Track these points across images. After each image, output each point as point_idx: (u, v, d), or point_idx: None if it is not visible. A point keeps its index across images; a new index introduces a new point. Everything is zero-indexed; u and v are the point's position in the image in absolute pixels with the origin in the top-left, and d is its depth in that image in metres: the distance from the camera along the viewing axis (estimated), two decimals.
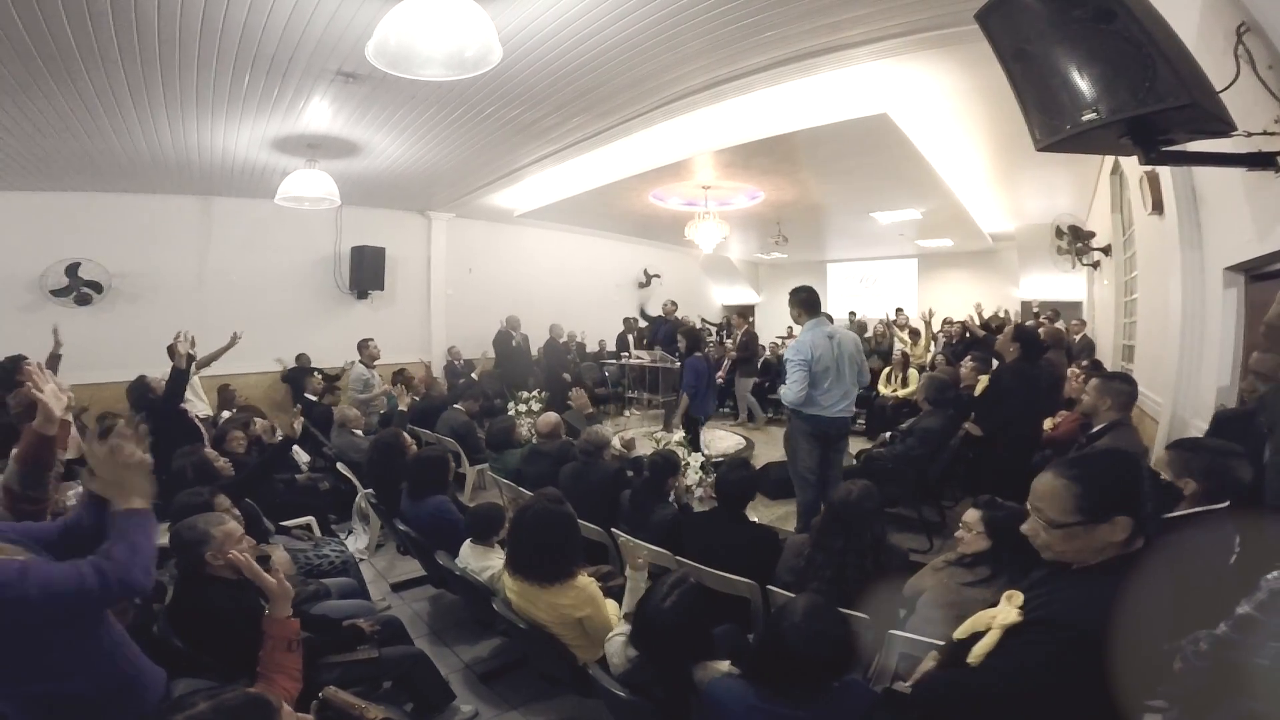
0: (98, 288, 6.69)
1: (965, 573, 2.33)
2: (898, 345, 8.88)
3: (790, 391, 3.93)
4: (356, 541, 4.65)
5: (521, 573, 2.53)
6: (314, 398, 7.25)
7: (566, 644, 2.49)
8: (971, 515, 2.42)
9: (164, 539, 3.50)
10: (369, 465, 4.24)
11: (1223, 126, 1.70)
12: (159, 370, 4.95)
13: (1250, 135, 1.85)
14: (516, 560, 2.57)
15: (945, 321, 9.33)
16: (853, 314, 11.41)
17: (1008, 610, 1.39)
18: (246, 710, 1.06)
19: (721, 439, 7.31)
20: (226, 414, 6.29)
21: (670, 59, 3.86)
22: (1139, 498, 1.30)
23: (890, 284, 13.61)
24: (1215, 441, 2.16)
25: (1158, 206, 3.74)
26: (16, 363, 4.70)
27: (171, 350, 4.68)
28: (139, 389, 5.66)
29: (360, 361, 7.20)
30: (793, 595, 2.37)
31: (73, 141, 5.03)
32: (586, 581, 2.54)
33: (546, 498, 2.71)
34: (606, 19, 3.34)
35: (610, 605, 2.53)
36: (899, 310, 10.38)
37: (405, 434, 4.41)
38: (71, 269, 6.54)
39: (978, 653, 1.38)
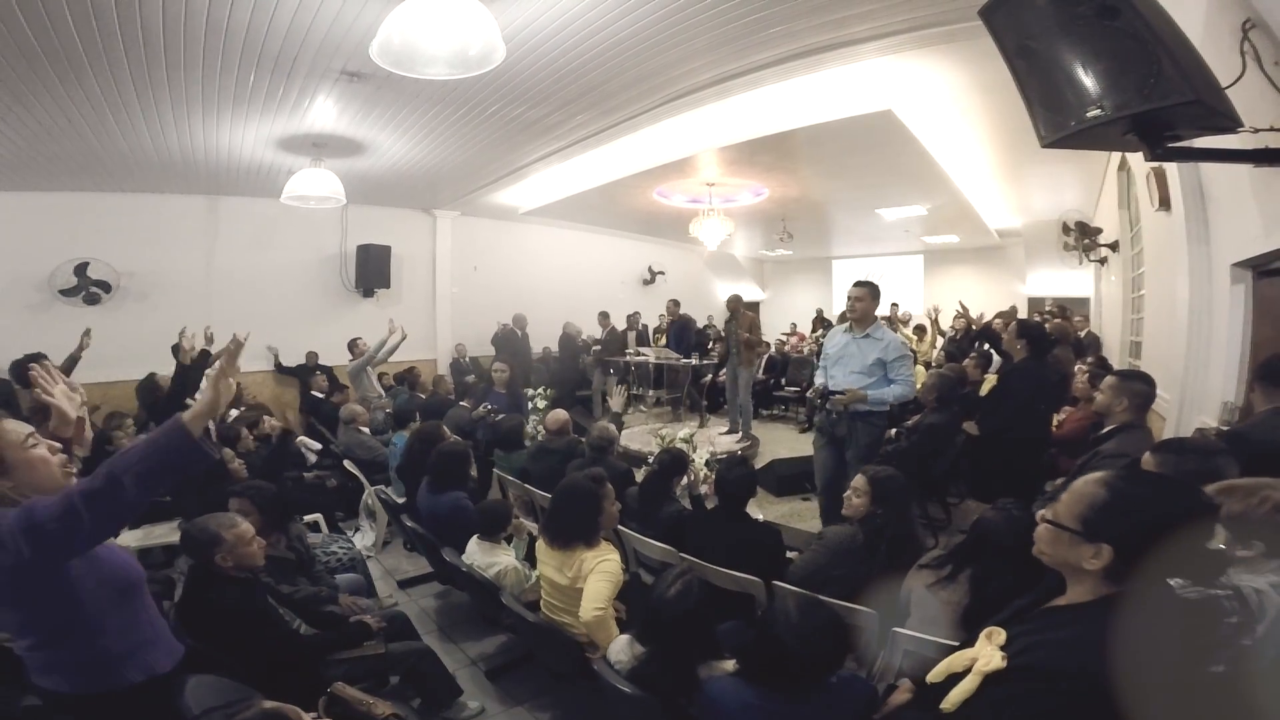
0: (106, 287, 6.74)
1: (930, 574, 2.33)
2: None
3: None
4: (364, 539, 4.69)
5: (553, 537, 2.63)
6: (320, 395, 7.31)
7: (575, 625, 2.54)
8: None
9: (174, 537, 3.55)
10: (408, 455, 4.25)
11: (1229, 123, 1.68)
12: (168, 368, 4.99)
13: (1257, 131, 1.83)
14: (551, 527, 2.67)
15: (956, 316, 9.28)
16: (895, 305, 11.17)
17: (989, 652, 1.23)
18: None
19: (724, 437, 7.30)
20: (235, 412, 6.33)
21: (676, 55, 3.86)
22: (1145, 538, 1.11)
23: (896, 281, 13.54)
24: (1200, 440, 2.14)
25: (1165, 202, 3.71)
26: (37, 360, 4.76)
27: (175, 349, 4.71)
28: (148, 387, 5.72)
29: (351, 360, 7.26)
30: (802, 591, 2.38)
31: (79, 142, 5.06)
32: (609, 546, 2.65)
33: (590, 476, 2.81)
34: (611, 15, 3.33)
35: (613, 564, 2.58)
36: (893, 305, 10.29)
37: (445, 428, 4.42)
38: (80, 268, 6.60)
39: (954, 700, 1.24)
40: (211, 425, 4.87)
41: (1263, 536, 1.47)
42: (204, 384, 1.61)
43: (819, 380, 4.05)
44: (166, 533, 3.71)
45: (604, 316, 9.60)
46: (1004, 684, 1.18)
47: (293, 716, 1.12)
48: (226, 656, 2.01)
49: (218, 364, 1.65)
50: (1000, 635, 1.25)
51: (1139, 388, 2.78)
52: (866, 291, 3.93)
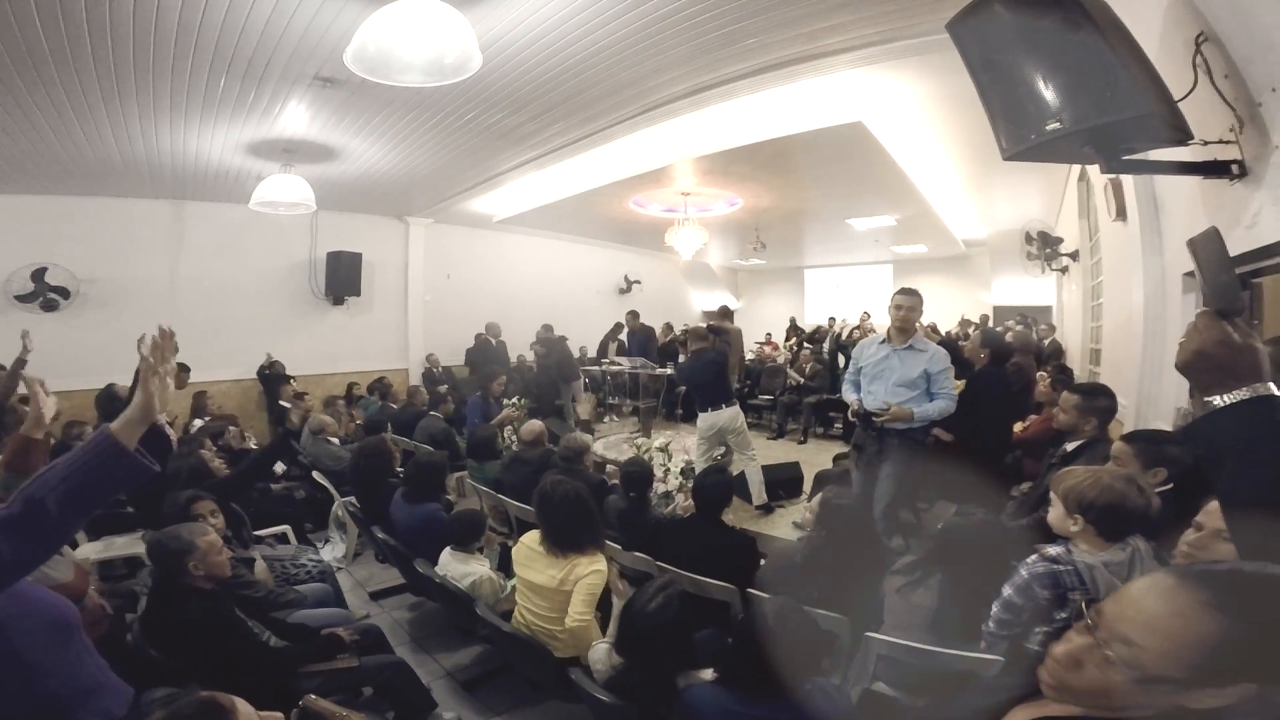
0: (65, 293, 6.52)
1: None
2: None
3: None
4: (334, 550, 4.59)
5: (558, 545, 2.57)
6: (288, 405, 7.15)
7: (554, 631, 2.53)
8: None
9: (136, 549, 3.44)
10: (353, 471, 4.17)
11: (1180, 135, 1.76)
12: (129, 378, 4.84)
13: (1206, 144, 1.90)
14: (554, 534, 2.59)
15: (929, 328, 9.50)
16: (832, 319, 11.58)
17: None
18: (199, 715, 1.06)
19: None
20: (199, 422, 6.18)
21: (653, 65, 3.89)
22: None
23: (866, 289, 13.82)
24: (1164, 431, 2.28)
25: (1121, 213, 3.84)
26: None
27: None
28: (107, 398, 5.53)
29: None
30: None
31: (41, 145, 4.91)
32: (600, 553, 2.62)
33: (566, 480, 2.75)
34: (589, 25, 3.36)
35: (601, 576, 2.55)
36: (865, 314, 10.55)
37: (389, 440, 4.37)
38: (38, 274, 6.38)
39: None
40: (171, 432, 4.74)
41: (1091, 520, 1.79)
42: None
43: (851, 397, 3.76)
44: (128, 544, 3.60)
45: (547, 329, 9.50)
46: None
47: (226, 704, 1.11)
48: (192, 669, 1.96)
49: (144, 360, 1.44)
50: None
51: (1103, 404, 2.82)
52: (918, 300, 3.59)
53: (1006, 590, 1.92)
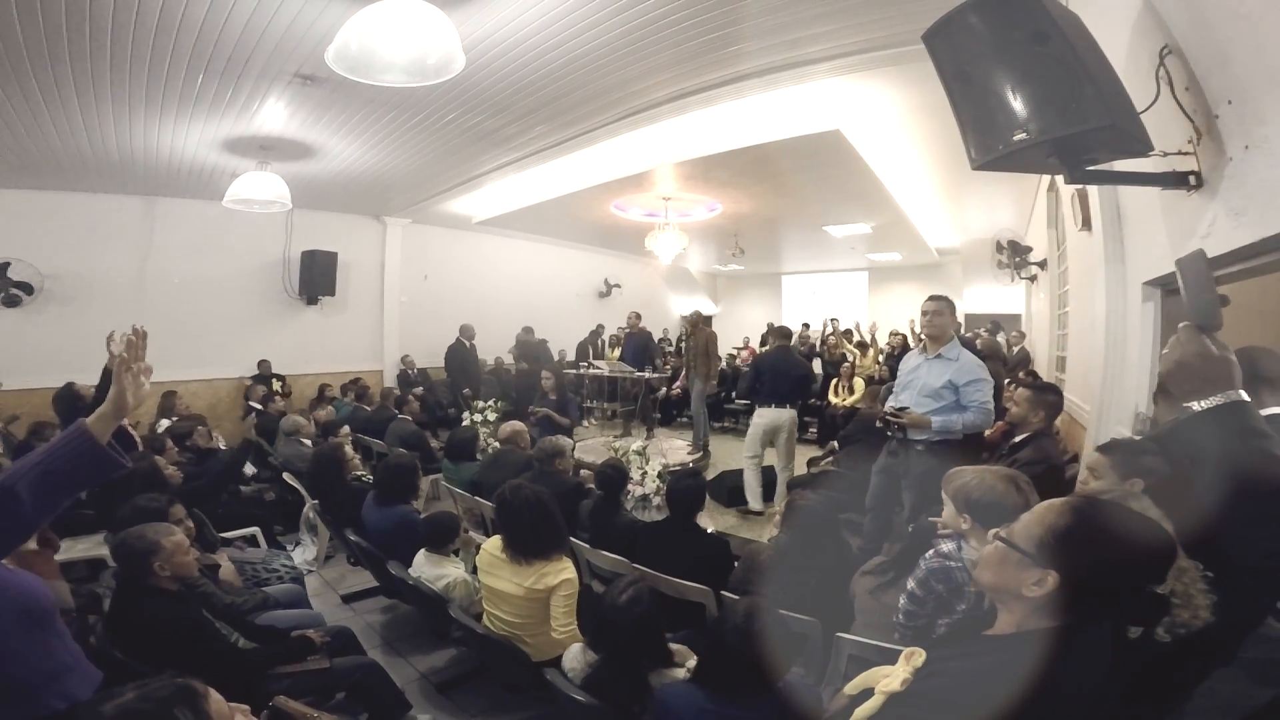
0: (28, 289, 6.33)
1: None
2: (846, 356, 9.13)
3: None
4: (305, 553, 4.52)
5: (521, 553, 2.53)
6: (259, 405, 7.03)
7: (523, 637, 2.52)
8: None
9: (99, 551, 3.35)
10: (310, 478, 4.12)
11: (1141, 147, 1.81)
12: (92, 376, 4.72)
13: (1166, 155, 1.97)
14: (516, 542, 2.56)
15: (891, 334, 9.68)
16: (806, 325, 11.75)
17: (898, 672, 1.19)
18: (173, 697, 1.07)
19: (677, 449, 7.36)
20: (166, 422, 6.04)
21: (636, 71, 3.92)
22: (1098, 573, 1.05)
23: (842, 296, 13.99)
24: (1145, 441, 2.32)
25: (1086, 223, 3.93)
26: None
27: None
28: (66, 397, 5.39)
29: None
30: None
31: (9, 138, 4.79)
32: (569, 561, 2.60)
33: (526, 486, 2.72)
34: (573, 30, 3.38)
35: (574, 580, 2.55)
36: (833, 320, 10.63)
37: (346, 446, 4.32)
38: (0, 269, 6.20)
39: (857, 718, 1.23)
40: (133, 432, 4.63)
41: (977, 518, 1.82)
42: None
43: (890, 404, 3.62)
44: (91, 547, 3.51)
45: (527, 331, 9.45)
46: (902, 707, 1.15)
47: (200, 689, 1.12)
48: (158, 670, 1.91)
49: (119, 356, 1.46)
50: (919, 656, 1.20)
51: (1051, 399, 3.07)
52: (945, 305, 3.43)
53: (910, 584, 1.99)
